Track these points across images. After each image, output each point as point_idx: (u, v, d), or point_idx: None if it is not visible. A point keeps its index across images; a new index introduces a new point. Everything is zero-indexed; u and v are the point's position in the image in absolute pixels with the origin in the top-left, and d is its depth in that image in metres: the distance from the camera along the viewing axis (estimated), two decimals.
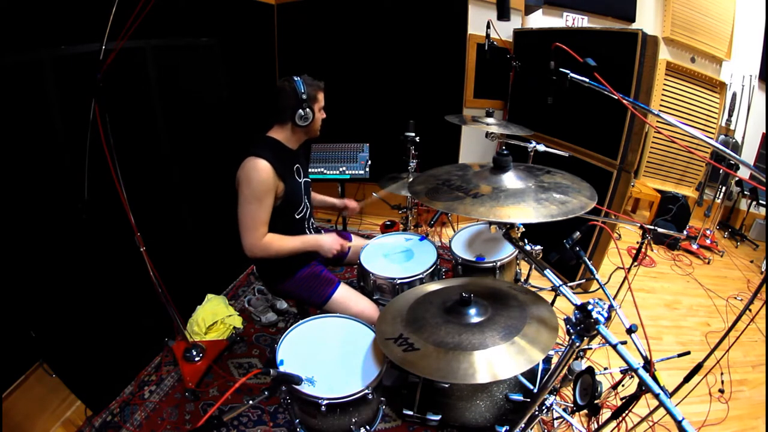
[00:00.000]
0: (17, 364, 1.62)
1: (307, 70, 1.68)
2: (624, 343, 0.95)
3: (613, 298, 1.54)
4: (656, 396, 0.84)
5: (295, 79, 1.59)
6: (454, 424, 1.64)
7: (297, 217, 1.74)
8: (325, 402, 1.22)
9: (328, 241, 1.72)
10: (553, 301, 1.92)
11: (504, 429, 1.46)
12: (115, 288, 1.89)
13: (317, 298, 1.73)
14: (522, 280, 2.23)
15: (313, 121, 1.65)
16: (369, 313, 1.68)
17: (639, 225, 1.75)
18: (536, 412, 1.32)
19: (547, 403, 1.38)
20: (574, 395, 1.19)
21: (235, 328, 2.26)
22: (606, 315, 0.94)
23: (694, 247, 3.38)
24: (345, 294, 1.74)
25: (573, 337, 0.99)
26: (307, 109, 1.60)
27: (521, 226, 1.92)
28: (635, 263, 1.85)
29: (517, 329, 1.21)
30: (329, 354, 1.43)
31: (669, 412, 0.81)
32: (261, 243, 1.58)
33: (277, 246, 1.62)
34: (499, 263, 1.88)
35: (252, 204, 1.54)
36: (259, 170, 1.52)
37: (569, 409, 1.65)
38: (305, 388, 1.25)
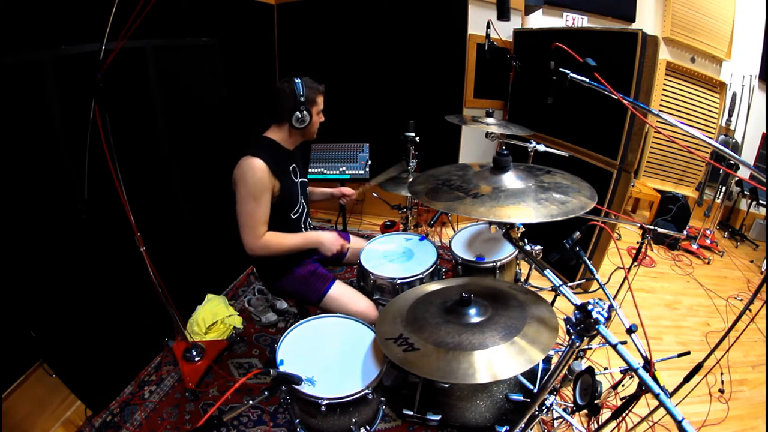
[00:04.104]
0: (17, 364, 1.62)
1: (307, 70, 1.68)
2: (624, 343, 0.95)
3: (613, 298, 1.54)
4: (656, 396, 0.84)
5: (296, 80, 1.59)
6: (454, 424, 1.64)
7: (293, 216, 1.74)
8: (325, 402, 1.22)
9: (329, 239, 1.72)
10: (553, 301, 1.92)
11: (504, 429, 1.47)
12: (115, 288, 1.89)
13: (313, 295, 1.74)
14: (522, 280, 2.23)
15: (309, 124, 1.64)
16: (365, 311, 1.68)
17: (639, 225, 1.75)
18: (536, 412, 1.32)
19: (547, 403, 1.38)
20: (574, 395, 1.19)
21: (235, 328, 2.26)
22: (606, 315, 0.94)
23: (694, 247, 3.38)
24: (341, 291, 1.74)
25: (573, 337, 0.99)
26: (305, 112, 1.60)
27: (521, 226, 1.92)
28: (635, 263, 1.85)
29: (517, 329, 1.21)
30: (329, 354, 1.43)
31: (669, 412, 0.81)
32: (261, 241, 1.58)
33: (277, 244, 1.62)
34: (499, 263, 1.88)
35: (249, 203, 1.54)
36: (255, 169, 1.52)
37: (569, 409, 1.65)
38: (305, 388, 1.25)
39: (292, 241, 1.67)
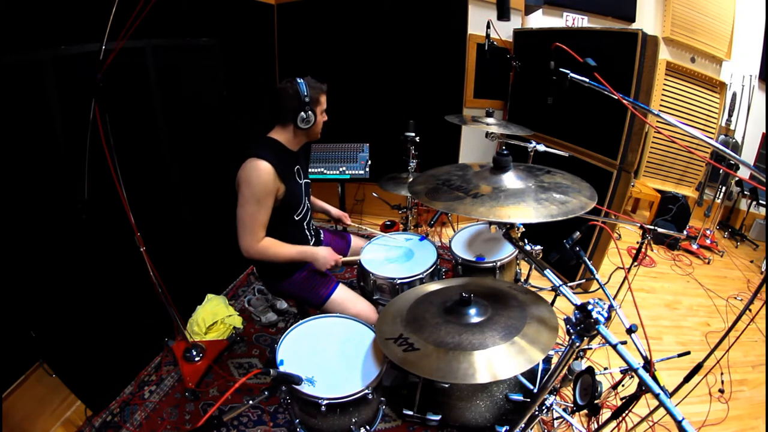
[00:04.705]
0: (17, 364, 1.62)
1: (307, 70, 1.68)
2: (624, 343, 0.95)
3: (613, 298, 1.55)
4: (656, 396, 0.84)
5: (299, 80, 1.58)
6: (454, 424, 1.64)
7: (296, 218, 1.74)
8: (325, 402, 1.22)
9: (324, 255, 1.71)
10: (553, 301, 1.92)
11: (504, 429, 1.46)
12: (115, 288, 1.89)
13: (315, 299, 1.73)
14: (522, 280, 2.23)
15: (314, 124, 1.64)
16: (367, 315, 1.68)
17: (639, 225, 1.75)
18: (536, 412, 1.32)
19: (547, 403, 1.38)
20: (574, 395, 1.19)
21: (235, 328, 2.26)
22: (606, 315, 0.94)
23: (694, 247, 3.38)
24: (343, 295, 1.74)
25: (573, 337, 0.99)
26: (309, 112, 1.59)
27: (521, 226, 1.92)
28: (635, 263, 1.85)
29: (517, 329, 1.21)
30: (329, 354, 1.43)
31: (669, 412, 0.81)
32: (258, 246, 1.58)
33: (273, 251, 1.62)
34: (499, 263, 1.88)
35: (252, 205, 1.54)
36: (261, 172, 1.51)
37: (569, 409, 1.65)
38: (305, 388, 1.25)
39: (288, 253, 1.66)
